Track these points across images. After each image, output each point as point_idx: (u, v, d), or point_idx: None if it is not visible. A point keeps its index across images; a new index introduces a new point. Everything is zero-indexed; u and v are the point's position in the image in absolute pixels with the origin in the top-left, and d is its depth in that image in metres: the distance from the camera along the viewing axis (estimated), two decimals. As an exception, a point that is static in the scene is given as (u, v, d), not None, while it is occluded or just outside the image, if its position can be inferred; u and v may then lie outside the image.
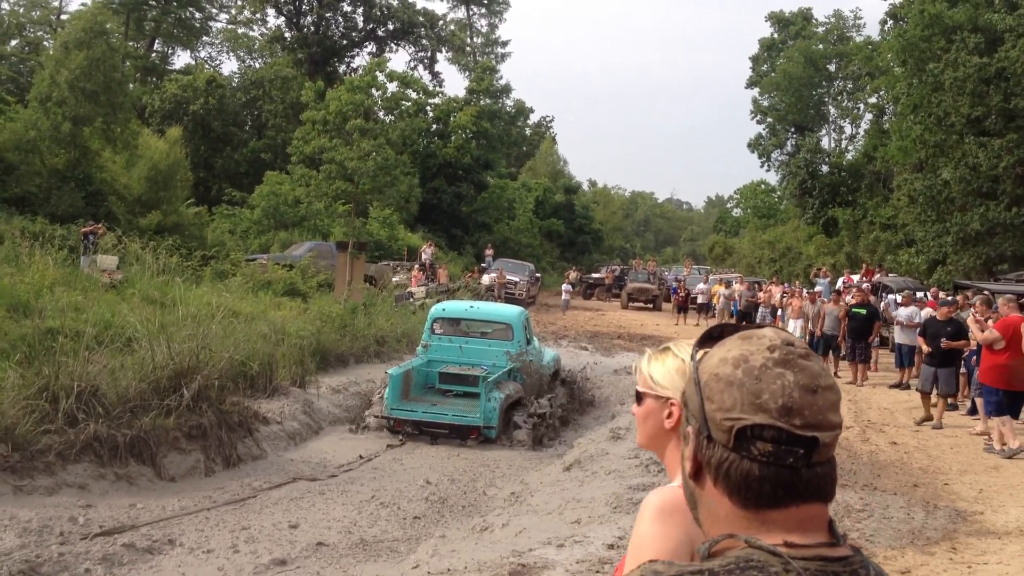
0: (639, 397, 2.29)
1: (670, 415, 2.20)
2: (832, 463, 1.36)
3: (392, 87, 38.73)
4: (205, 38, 63.12)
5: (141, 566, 7.92)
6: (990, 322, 12.46)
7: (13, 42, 57.88)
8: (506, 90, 58.95)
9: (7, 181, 29.65)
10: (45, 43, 55.40)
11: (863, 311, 18.59)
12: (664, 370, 2.26)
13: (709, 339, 1.50)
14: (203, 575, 7.86)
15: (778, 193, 60.33)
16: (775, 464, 1.30)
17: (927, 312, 16.98)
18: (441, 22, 67.15)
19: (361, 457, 12.73)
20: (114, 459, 10.07)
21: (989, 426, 12.19)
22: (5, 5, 58.00)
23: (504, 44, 74.82)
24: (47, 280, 17.27)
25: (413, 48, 64.92)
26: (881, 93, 40.82)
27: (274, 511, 9.81)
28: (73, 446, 9.75)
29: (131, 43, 53.16)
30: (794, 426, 1.30)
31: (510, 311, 16.84)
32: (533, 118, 70.93)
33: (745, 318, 30.59)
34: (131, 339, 12.84)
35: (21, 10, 59.03)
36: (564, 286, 40.52)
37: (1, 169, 29.70)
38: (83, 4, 49.29)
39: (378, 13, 60.43)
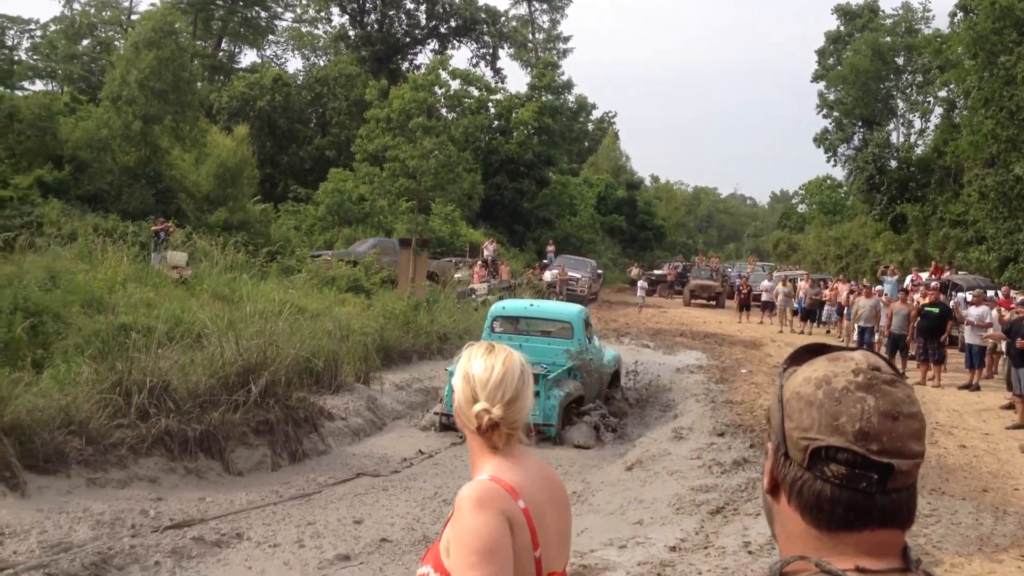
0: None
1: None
2: (912, 490, 1.35)
3: (455, 84, 38.90)
4: (271, 36, 64.08)
5: (209, 559, 8.10)
6: None
7: (85, 42, 59.25)
8: (568, 85, 58.83)
9: (80, 179, 30.40)
10: (116, 43, 56.60)
11: (936, 310, 18.22)
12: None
13: (797, 358, 1.50)
14: (269, 569, 8.00)
15: (845, 189, 59.42)
16: (848, 487, 1.31)
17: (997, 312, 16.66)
18: (503, 18, 67.23)
19: (421, 453, 12.85)
20: (184, 453, 10.30)
21: None
22: (77, 5, 59.40)
23: (566, 39, 74.63)
24: (119, 276, 17.72)
25: (475, 45, 65.11)
26: (951, 87, 39.98)
27: (338, 506, 9.95)
28: (144, 440, 10.00)
29: (199, 42, 54.13)
30: (870, 451, 1.30)
31: (570, 309, 16.83)
32: (595, 113, 70.73)
33: (809, 316, 30.22)
34: (201, 335, 13.12)
35: (92, 10, 60.37)
36: (640, 283, 40.45)
37: (74, 167, 30.46)
38: (153, 4, 50.29)
39: (440, 10, 60.70)
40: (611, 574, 7.13)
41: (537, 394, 13.84)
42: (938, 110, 46.67)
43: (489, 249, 37.77)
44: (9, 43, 55.68)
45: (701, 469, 11.20)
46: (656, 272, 50.35)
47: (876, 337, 21.28)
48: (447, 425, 14.19)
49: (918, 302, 19.83)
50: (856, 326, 21.13)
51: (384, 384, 15.94)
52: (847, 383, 1.35)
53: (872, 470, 1.30)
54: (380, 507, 10.05)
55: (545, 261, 43.21)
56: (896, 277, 28.70)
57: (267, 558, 8.24)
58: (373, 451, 12.83)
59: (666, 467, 11.50)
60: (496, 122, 52.49)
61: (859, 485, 1.30)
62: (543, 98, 54.49)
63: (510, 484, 2.35)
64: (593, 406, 15.70)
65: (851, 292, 25.92)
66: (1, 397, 8.89)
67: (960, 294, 22.56)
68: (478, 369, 2.46)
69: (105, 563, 7.58)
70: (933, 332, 18.07)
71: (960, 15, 34.86)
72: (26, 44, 57.54)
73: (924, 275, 27.56)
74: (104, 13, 60.79)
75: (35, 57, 57.90)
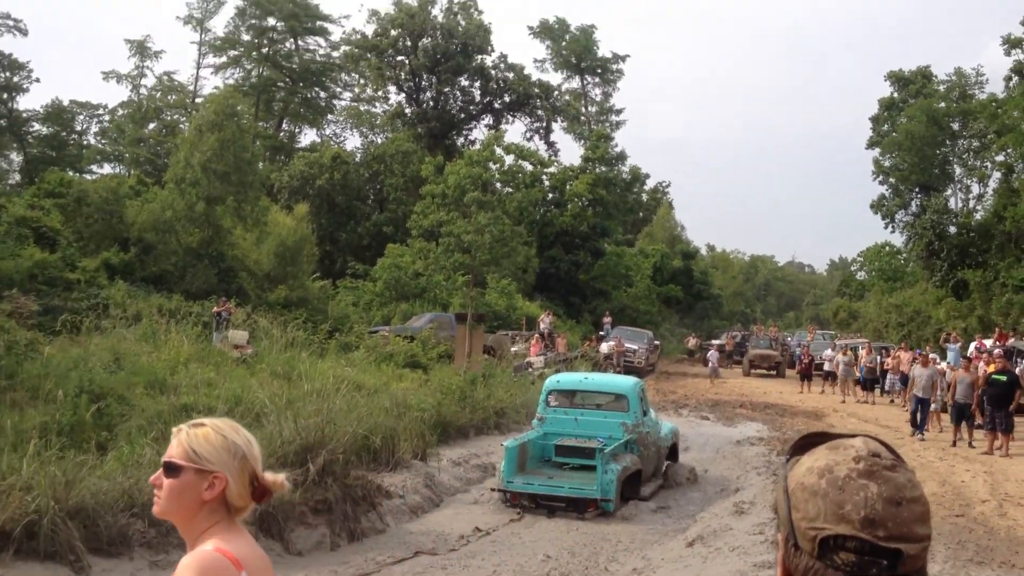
0: (174, 468, 2.37)
1: (211, 486, 2.35)
2: (922, 572, 1.37)
3: (509, 159, 39.46)
4: (330, 116, 65.70)
5: (270, 641, 8.10)
6: None
7: (151, 126, 61.21)
8: (621, 157, 59.31)
9: (146, 260, 31.18)
10: (181, 126, 58.38)
11: (1003, 378, 17.83)
12: (208, 445, 2.39)
13: (800, 448, 1.53)
14: (329, 652, 8.00)
15: (904, 255, 58.70)
16: (859, 574, 1.32)
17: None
18: (556, 92, 68.20)
19: (478, 530, 12.79)
20: (244, 533, 10.36)
21: None
22: (144, 90, 61.48)
23: (618, 112, 75.45)
24: (182, 357, 18.06)
25: (528, 119, 66.03)
26: (1009, 151, 39.56)
27: (397, 586, 9.94)
28: (206, 521, 10.08)
29: (261, 123, 55.66)
30: (877, 537, 1.32)
31: (625, 382, 16.76)
32: (649, 184, 71.08)
33: (871, 385, 29.70)
34: (260, 414, 13.29)
35: (159, 94, 62.43)
36: (711, 353, 39.35)
37: (140, 249, 31.26)
38: (216, 88, 51.97)
39: (495, 87, 61.81)
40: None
41: (594, 468, 13.77)
42: (996, 175, 46.12)
43: (545, 322, 37.84)
44: (79, 128, 57.75)
45: (763, 544, 10.99)
46: (714, 342, 49.92)
47: (933, 407, 20.82)
48: (505, 500, 14.14)
49: (984, 370, 19.41)
50: (913, 395, 20.62)
51: (441, 460, 15.94)
52: (849, 471, 1.38)
53: (881, 556, 1.32)
54: (439, 587, 10.01)
55: (602, 333, 43.13)
56: (959, 344, 28.17)
57: (326, 640, 8.24)
58: (431, 528, 12.80)
59: (728, 543, 11.31)
60: (550, 195, 52.96)
61: (869, 572, 1.32)
62: (597, 170, 54.93)
63: (235, 556, 2.29)
64: (653, 486, 15.56)
65: (913, 360, 25.46)
66: (67, 481, 9.07)
67: (1025, 361, 22.09)
68: (244, 439, 2.46)
69: (167, 646, 7.63)
70: (1001, 401, 17.66)
71: (1016, 79, 34.62)
72: (94, 129, 59.68)
73: (988, 342, 27.01)
74: (170, 97, 62.84)
75: (103, 141, 59.95)
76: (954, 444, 19.07)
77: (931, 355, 25.74)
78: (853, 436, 1.50)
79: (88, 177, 47.03)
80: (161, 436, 11.24)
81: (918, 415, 20.05)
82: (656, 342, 43.56)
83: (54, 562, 8.64)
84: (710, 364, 38.10)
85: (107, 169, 57.90)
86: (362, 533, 11.89)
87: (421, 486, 14.43)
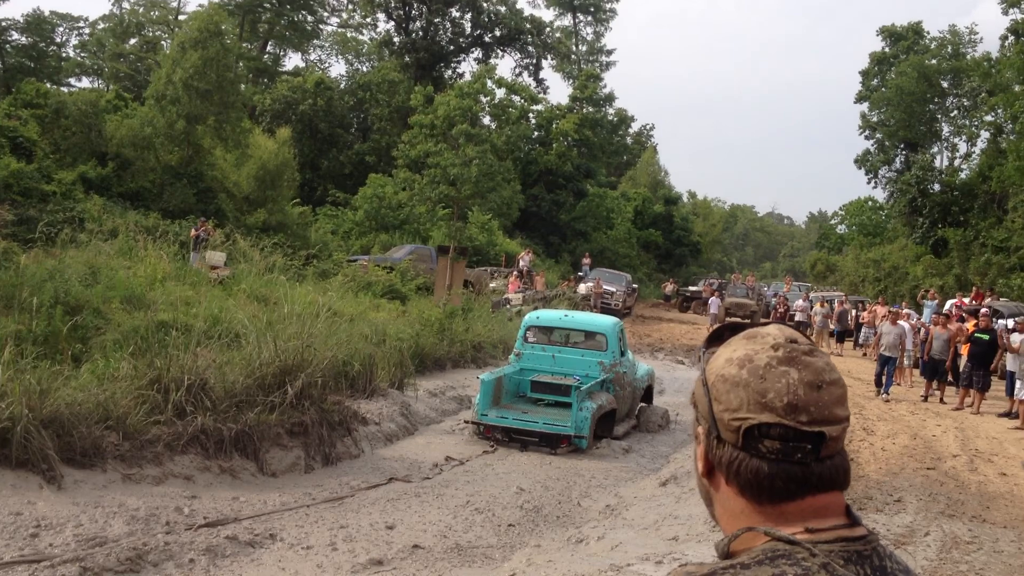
0: None
1: None
2: (843, 454, 1.38)
3: (500, 93, 38.95)
4: (316, 41, 64.61)
5: (243, 559, 8.09)
6: None
7: (132, 41, 60.07)
8: (609, 99, 58.87)
9: (123, 176, 30.75)
10: (163, 43, 57.33)
11: (986, 336, 17.88)
12: None
13: (715, 340, 1.51)
14: (303, 571, 7.98)
15: (885, 211, 58.83)
16: (784, 461, 1.33)
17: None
18: (548, 29, 67.35)
19: (450, 459, 12.80)
20: (219, 452, 10.32)
21: None
22: (126, 4, 60.22)
23: (609, 52, 74.82)
24: (159, 274, 17.86)
25: (519, 55, 65.20)
26: (999, 111, 39.48)
27: (371, 511, 9.93)
28: (181, 438, 10.03)
29: (245, 44, 54.66)
30: (800, 423, 1.32)
31: (604, 321, 16.73)
32: (634, 127, 70.67)
33: (844, 337, 29.95)
34: (238, 335, 13.17)
35: (141, 9, 61.17)
36: (712, 299, 38.62)
37: (118, 164, 30.80)
38: (200, 5, 50.99)
39: (486, 19, 60.89)
40: (646, 591, 7.04)
41: (569, 405, 13.80)
42: (984, 134, 46.10)
43: (525, 260, 37.75)
44: (58, 40, 56.59)
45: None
46: (691, 288, 50.05)
47: (907, 364, 20.90)
48: (479, 432, 14.18)
49: (966, 329, 19.49)
50: (879, 353, 19.94)
51: (418, 390, 15.93)
52: (769, 359, 1.37)
53: (805, 441, 1.33)
54: (412, 513, 10.01)
55: (580, 274, 43.16)
56: (936, 301, 28.32)
57: (300, 560, 8.22)
58: (405, 456, 12.81)
59: (701, 485, 11.37)
60: (536, 133, 52.54)
61: (794, 457, 1.33)
62: (584, 110, 54.51)
63: None
64: (627, 426, 15.62)
65: (884, 317, 25.59)
66: (41, 390, 8.95)
67: (1001, 321, 22.19)
68: None
69: (140, 559, 7.59)
70: (982, 359, 17.75)
71: (1011, 39, 34.43)
72: (74, 41, 58.55)
73: (967, 300, 27.16)
74: (152, 13, 61.60)
75: (83, 54, 58.83)
76: (925, 399, 19.23)
77: (906, 311, 25.90)
78: (766, 323, 1.50)
79: (66, 90, 46.14)
80: (137, 350, 11.13)
81: (883, 376, 19.33)
82: (634, 285, 43.58)
83: (26, 470, 8.56)
84: (711, 311, 37.73)
85: (85, 83, 56.96)
86: (337, 457, 11.87)
87: (397, 414, 14.42)
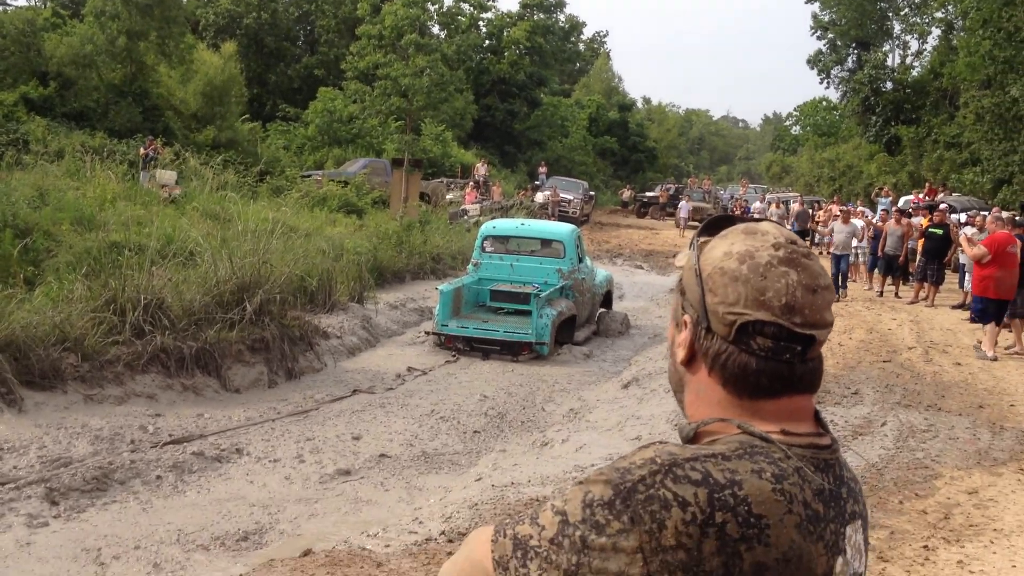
0: None
1: None
2: (820, 358, 1.40)
3: (448, 1, 38.14)
4: (257, -49, 62.50)
5: (210, 473, 8.12)
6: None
7: (68, -44, 57.83)
8: (560, 4, 57.88)
9: (66, 96, 29.92)
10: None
11: (939, 231, 18.09)
12: None
13: (711, 229, 1.49)
14: (271, 483, 8.03)
15: (839, 111, 58.94)
16: (772, 359, 1.34)
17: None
18: (495, -67, 65.83)
19: (412, 369, 12.85)
20: (181, 370, 10.27)
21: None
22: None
23: (559, -44, 73.30)
24: (109, 194, 17.52)
25: (466, -40, 63.78)
26: (949, 8, 39.39)
27: (336, 423, 9.98)
28: (141, 357, 9.96)
29: (184, -44, 52.89)
30: (794, 324, 1.33)
31: (561, 228, 16.72)
32: (587, 33, 69.78)
33: (801, 236, 30.25)
34: (193, 253, 13.02)
35: (75, -78, 58.83)
36: (681, 203, 38.95)
37: (60, 84, 29.94)
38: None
39: (431, -76, 59.30)
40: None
41: (529, 313, 13.86)
42: (935, 31, 46.09)
43: (481, 171, 37.49)
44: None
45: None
46: (648, 194, 50.09)
47: (858, 260, 21.07)
48: (440, 343, 14.24)
49: (920, 224, 19.73)
50: (831, 253, 19.87)
51: (378, 303, 15.89)
52: (770, 257, 1.37)
53: (796, 342, 1.34)
54: (378, 423, 10.08)
55: (537, 183, 43.01)
56: (890, 199, 28.63)
57: (268, 472, 8.26)
58: (367, 367, 12.84)
59: (663, 384, 11.51)
60: (487, 42, 51.74)
61: (783, 357, 1.34)
62: (535, 17, 53.65)
63: None
64: (587, 331, 15.74)
65: (834, 217, 25.80)
66: (-6, 313, 8.82)
67: (954, 215, 22.49)
68: None
69: (106, 477, 7.58)
70: (936, 253, 18.01)
71: (961, -68, 34.17)
72: (6, -43, 56.15)
73: (922, 196, 27.47)
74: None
75: (16, -29, 56.56)
76: (880, 294, 19.54)
77: (860, 208, 26.15)
78: (760, 220, 1.48)
79: (1, 9, 44.53)
80: (91, 272, 10.96)
81: (838, 276, 19.02)
82: (591, 193, 43.55)
83: (-15, 395, 8.47)
84: (680, 215, 38.06)
85: (22, 1, 54.94)
86: (300, 372, 11.88)
87: (358, 328, 14.42)
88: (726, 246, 1.40)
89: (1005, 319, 13.55)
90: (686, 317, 1.42)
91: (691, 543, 1.21)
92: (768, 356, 1.34)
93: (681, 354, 1.42)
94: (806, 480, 1.31)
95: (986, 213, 20.36)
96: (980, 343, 13.19)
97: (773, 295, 1.34)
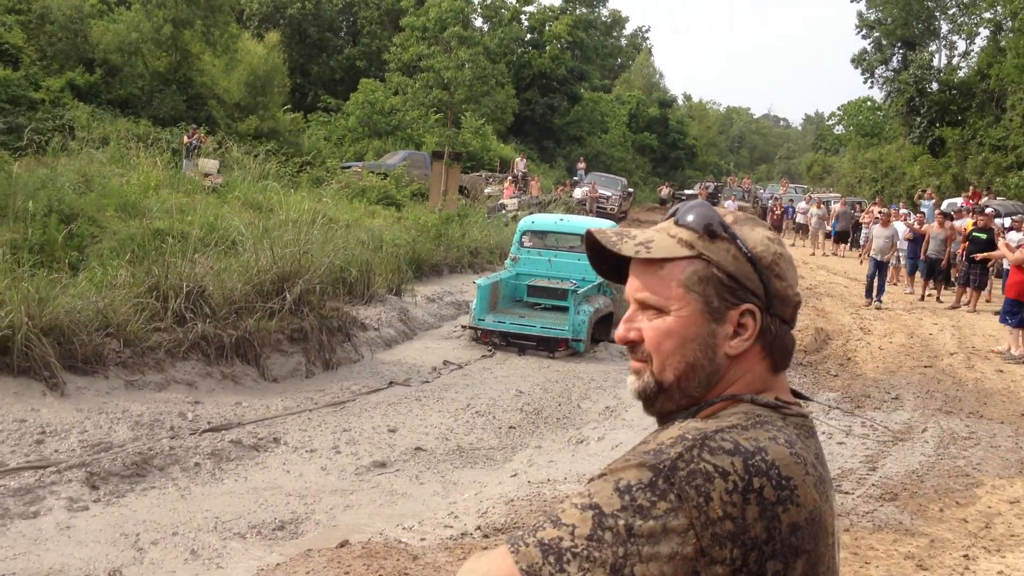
0: None
1: None
2: None
3: (492, -6, 38.18)
4: (302, -58, 62.83)
5: (248, 462, 8.17)
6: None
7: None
8: (602, -1, 57.76)
9: (111, 83, 30.27)
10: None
11: (983, 235, 17.81)
12: None
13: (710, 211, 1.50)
14: (307, 473, 8.07)
15: (883, 111, 58.25)
16: (791, 331, 1.48)
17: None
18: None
19: (446, 363, 12.87)
20: (220, 358, 10.35)
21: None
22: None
23: (603, -49, 73.00)
24: (152, 182, 17.70)
25: (510, -46, 63.74)
26: (999, 8, 38.79)
27: (373, 415, 10.01)
28: (181, 344, 10.05)
29: (230, -54, 53.27)
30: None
31: (600, 224, 16.67)
32: (629, 29, 69.49)
33: (842, 238, 29.99)
34: (235, 242, 13.11)
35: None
36: (728, 203, 36.94)
37: (106, 71, 30.31)
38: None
39: (476, -83, 59.32)
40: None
41: (566, 309, 13.82)
42: (984, 32, 45.38)
43: (520, 165, 37.47)
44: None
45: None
46: (687, 192, 49.82)
47: (891, 266, 20.48)
48: (476, 338, 14.24)
49: (964, 227, 19.46)
50: (871, 257, 18.95)
51: (416, 296, 15.94)
52: (781, 240, 1.49)
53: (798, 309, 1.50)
54: (414, 416, 10.10)
55: (575, 178, 42.90)
56: (933, 201, 28.25)
57: (304, 463, 8.30)
58: (404, 360, 12.87)
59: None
60: (529, 36, 51.67)
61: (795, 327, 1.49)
62: (577, 11, 53.50)
63: None
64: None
65: (875, 220, 25.48)
66: (40, 298, 8.92)
67: (998, 219, 22.14)
68: None
69: (146, 463, 7.66)
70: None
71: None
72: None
73: (959, 201, 27.09)
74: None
75: (65, -41, 57.23)
76: (922, 298, 19.31)
77: (903, 211, 25.83)
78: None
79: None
80: (134, 258, 11.08)
81: (875, 280, 18.22)
82: (630, 189, 43.40)
83: (28, 377, 8.59)
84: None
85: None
86: (337, 362, 11.92)
87: (395, 320, 14.46)
88: (762, 232, 1.46)
89: None
90: (747, 306, 1.41)
91: (736, 512, 1.23)
92: (792, 328, 1.46)
93: (745, 346, 1.41)
94: (807, 444, 1.36)
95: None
96: (1009, 348, 13.34)
97: (797, 273, 1.49)
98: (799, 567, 1.29)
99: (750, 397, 1.38)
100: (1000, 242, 15.05)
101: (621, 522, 1.20)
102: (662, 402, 1.45)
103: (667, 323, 1.42)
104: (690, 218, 1.46)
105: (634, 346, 1.46)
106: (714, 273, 1.41)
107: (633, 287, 1.47)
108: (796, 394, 1.47)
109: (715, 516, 1.22)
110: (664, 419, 1.45)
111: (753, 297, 1.41)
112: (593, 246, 1.52)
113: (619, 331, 1.48)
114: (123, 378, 9.33)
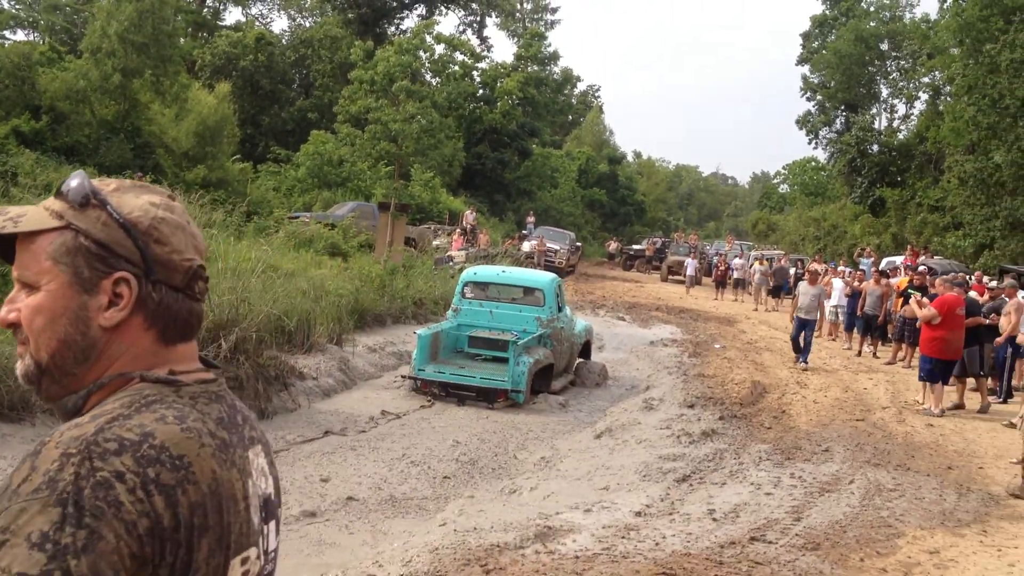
0: None
1: None
2: None
3: (440, 49, 38.61)
4: (256, -5, 63.23)
5: (174, 511, 8.06)
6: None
7: (68, -7, 58.30)
8: (554, 57, 58.56)
9: (58, 130, 30.03)
10: (99, -5, 55.72)
11: (918, 293, 18.19)
12: None
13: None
14: (234, 522, 7.97)
15: (826, 171, 59.58)
16: (200, 300, 1.47)
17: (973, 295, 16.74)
18: (491, -14, 66.69)
19: (386, 413, 12.83)
20: (152, 406, 10.23)
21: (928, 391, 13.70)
22: (61, -45, 58.38)
23: (553, 11, 74.36)
24: (93, 229, 17.50)
25: (463, 12, 64.59)
26: (936, 74, 40.06)
27: (306, 464, 9.95)
28: (112, 391, 9.93)
29: (183, -3, 53.39)
30: (203, 263, 1.47)
31: (541, 277, 16.82)
32: (580, 87, 70.53)
33: (778, 292, 30.63)
34: (173, 289, 13.01)
35: (76, -39, 59.40)
36: (688, 260, 37.30)
37: (52, 118, 30.07)
38: (136, -43, 49.46)
39: (429, -25, 60.12)
40: (576, 536, 7.15)
41: (507, 361, 13.87)
42: (923, 96, 46.79)
43: (469, 218, 37.68)
44: (-11, -10, 54.74)
45: (670, 439, 11.27)
46: (635, 247, 50.38)
47: (817, 327, 20.17)
48: (416, 388, 14.23)
49: (899, 284, 19.88)
50: (796, 316, 17.77)
51: (357, 346, 15.90)
52: (176, 206, 1.46)
53: (205, 281, 1.48)
54: (348, 466, 10.05)
55: (524, 232, 43.20)
56: (872, 259, 28.86)
57: (231, 511, 8.21)
58: (341, 410, 12.81)
59: (635, 436, 11.57)
60: (481, 91, 52.22)
61: (203, 297, 1.48)
62: (529, 69, 54.22)
63: None
64: (564, 381, 15.74)
65: (826, 272, 25.99)
66: (-33, 343, 8.81)
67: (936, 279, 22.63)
68: None
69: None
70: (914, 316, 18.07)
71: (949, 1, 34.85)
72: (7, -8, 56.54)
73: (898, 259, 27.70)
74: (87, -36, 59.86)
75: (17, 6, 56.97)
76: (859, 354, 19.63)
77: (842, 268, 26.31)
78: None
79: (-1, 42, 44.79)
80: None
81: (800, 339, 17.22)
82: (578, 244, 43.78)
83: (-49, 424, 8.44)
84: (688, 272, 36.31)
85: (20, 36, 55.27)
86: (273, 411, 11.86)
87: (335, 369, 14.41)
88: (147, 197, 1.43)
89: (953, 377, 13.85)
90: (121, 274, 1.37)
91: (147, 507, 1.22)
92: (200, 299, 1.46)
93: (120, 316, 1.37)
94: (205, 413, 1.38)
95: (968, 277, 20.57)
96: (918, 401, 13.83)
97: (198, 240, 1.46)
98: (204, 547, 1.29)
99: (139, 374, 1.36)
100: (912, 299, 15.50)
101: (58, 573, 1.12)
102: (47, 385, 1.40)
103: (37, 299, 1.37)
104: (65, 189, 1.40)
105: (16, 328, 1.39)
106: (82, 243, 1.37)
107: (15, 266, 1.40)
108: (206, 363, 1.50)
109: (131, 519, 1.20)
110: (60, 406, 1.41)
111: (128, 264, 1.37)
112: None
113: (0, 313, 1.41)
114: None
